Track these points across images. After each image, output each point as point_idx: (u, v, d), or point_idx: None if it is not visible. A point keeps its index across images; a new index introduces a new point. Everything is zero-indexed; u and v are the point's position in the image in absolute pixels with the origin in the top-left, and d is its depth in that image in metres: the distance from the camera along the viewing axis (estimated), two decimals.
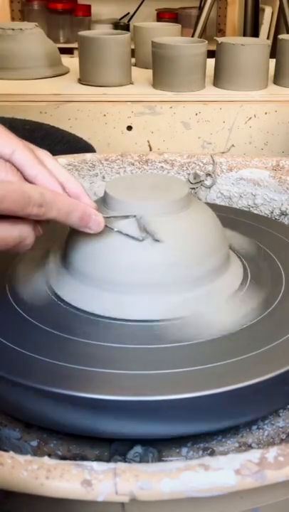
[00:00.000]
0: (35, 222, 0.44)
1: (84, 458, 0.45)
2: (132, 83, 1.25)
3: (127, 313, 0.48)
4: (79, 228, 0.46)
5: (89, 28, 2.48)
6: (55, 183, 0.45)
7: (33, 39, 1.26)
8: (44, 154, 0.47)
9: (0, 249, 0.43)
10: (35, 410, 0.43)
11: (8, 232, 0.42)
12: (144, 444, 0.44)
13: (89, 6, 2.64)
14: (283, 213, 0.74)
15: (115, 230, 0.48)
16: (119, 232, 0.48)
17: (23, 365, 0.43)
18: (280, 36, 1.25)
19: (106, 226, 0.47)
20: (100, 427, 0.42)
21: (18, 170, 0.44)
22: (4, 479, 0.32)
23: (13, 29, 1.25)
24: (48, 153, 0.47)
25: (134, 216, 0.48)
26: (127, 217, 0.48)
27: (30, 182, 0.44)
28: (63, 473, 0.32)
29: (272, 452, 0.33)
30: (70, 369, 0.43)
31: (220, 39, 1.21)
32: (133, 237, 0.47)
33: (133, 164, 0.77)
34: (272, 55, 1.24)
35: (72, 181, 0.47)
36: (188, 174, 0.77)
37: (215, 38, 1.24)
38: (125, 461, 0.43)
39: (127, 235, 0.47)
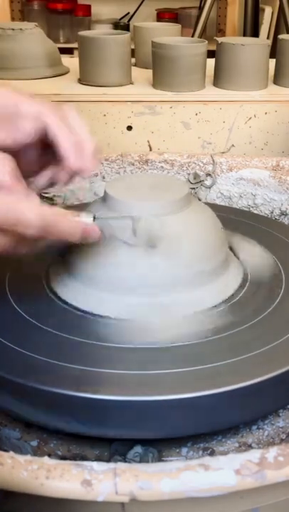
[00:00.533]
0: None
1: (84, 458, 0.45)
2: (132, 83, 1.24)
3: (127, 313, 0.48)
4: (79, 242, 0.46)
5: (89, 28, 2.48)
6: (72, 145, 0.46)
7: (33, 39, 1.26)
8: (68, 110, 0.48)
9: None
10: (35, 410, 0.43)
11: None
12: (144, 444, 0.44)
13: (89, 6, 2.63)
14: (283, 213, 0.74)
15: (107, 236, 0.47)
16: (114, 236, 0.47)
17: (23, 365, 0.43)
18: (280, 36, 1.25)
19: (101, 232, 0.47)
20: (99, 426, 0.42)
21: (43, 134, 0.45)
22: (4, 479, 0.32)
23: (13, 29, 1.25)
24: (72, 108, 0.48)
25: (131, 217, 0.48)
26: (123, 217, 0.48)
27: (50, 142, 0.46)
28: (63, 473, 0.32)
29: (272, 452, 0.33)
30: (70, 369, 0.43)
31: (220, 39, 1.21)
32: (126, 242, 0.47)
33: (133, 164, 0.77)
34: (272, 55, 1.24)
35: (88, 140, 0.47)
36: (188, 174, 0.77)
37: (215, 38, 1.24)
38: (125, 461, 0.43)
39: (121, 240, 0.47)
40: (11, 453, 0.34)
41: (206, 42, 1.20)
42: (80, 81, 1.24)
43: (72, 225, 0.44)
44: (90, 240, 0.46)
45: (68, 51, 2.39)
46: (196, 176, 0.76)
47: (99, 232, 0.46)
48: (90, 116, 1.10)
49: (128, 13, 2.70)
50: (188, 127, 1.12)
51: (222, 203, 0.76)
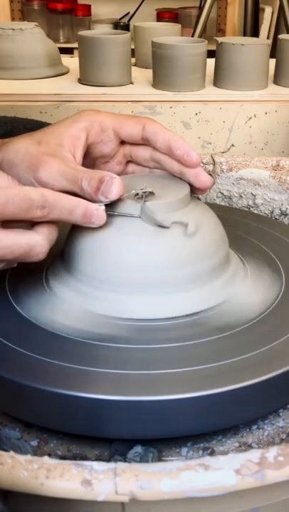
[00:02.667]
0: (47, 230, 0.44)
1: (84, 458, 0.45)
2: (132, 83, 1.25)
3: (127, 312, 0.48)
4: (82, 225, 0.47)
5: (89, 28, 2.48)
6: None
7: (33, 39, 1.27)
8: (148, 120, 0.53)
9: (7, 258, 0.43)
10: (36, 410, 0.43)
11: (13, 241, 0.43)
12: (144, 444, 0.44)
13: (89, 6, 2.64)
14: (283, 213, 0.74)
15: (116, 213, 0.48)
16: (120, 214, 0.48)
17: (23, 365, 0.43)
18: (280, 36, 1.25)
19: (108, 214, 0.47)
20: (99, 426, 0.42)
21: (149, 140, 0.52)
22: (4, 479, 0.32)
23: (13, 29, 1.25)
24: (150, 118, 0.53)
25: (139, 217, 0.48)
26: (131, 215, 0.48)
27: (163, 148, 0.51)
28: (63, 473, 0.32)
29: (272, 452, 0.33)
30: (70, 369, 0.43)
31: (220, 39, 1.21)
32: (132, 216, 0.48)
33: None
34: (273, 55, 1.24)
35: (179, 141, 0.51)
36: None
37: (215, 38, 1.24)
38: (125, 461, 0.43)
39: (125, 214, 0.48)
40: (11, 453, 0.34)
41: (206, 42, 1.20)
42: (80, 81, 1.24)
43: (72, 201, 0.45)
44: (92, 223, 0.46)
45: (68, 51, 2.39)
46: None
47: (103, 219, 0.46)
48: None
49: (128, 13, 2.70)
50: (188, 127, 1.12)
51: (222, 203, 0.77)
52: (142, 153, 0.54)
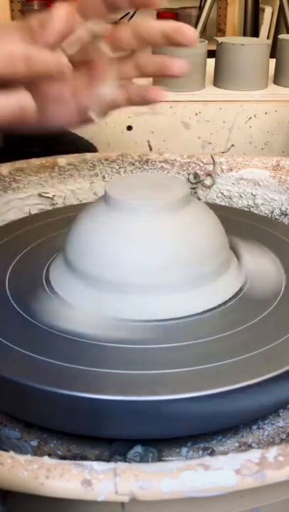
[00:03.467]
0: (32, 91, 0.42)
1: (84, 458, 0.45)
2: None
3: (126, 313, 0.48)
4: (55, 75, 0.44)
5: None
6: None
7: None
8: None
9: None
10: (35, 410, 0.43)
11: (2, 102, 0.41)
12: (144, 444, 0.44)
13: None
14: (283, 213, 0.74)
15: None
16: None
17: (23, 365, 0.43)
18: (280, 36, 1.25)
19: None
20: (100, 426, 0.42)
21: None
22: (4, 479, 0.32)
23: None
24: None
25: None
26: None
27: None
28: (63, 473, 0.32)
29: (272, 452, 0.33)
30: (70, 369, 0.43)
31: (220, 39, 1.21)
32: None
33: (133, 164, 0.77)
34: (273, 55, 1.24)
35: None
36: (189, 174, 0.77)
37: (215, 38, 1.24)
38: (125, 461, 0.43)
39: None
40: (11, 453, 0.34)
41: (206, 42, 1.20)
42: None
43: (53, 54, 0.43)
44: (63, 72, 0.43)
45: None
46: (196, 175, 0.76)
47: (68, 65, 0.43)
48: None
49: (128, 13, 2.70)
50: (188, 127, 1.12)
51: (222, 203, 0.77)
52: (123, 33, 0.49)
